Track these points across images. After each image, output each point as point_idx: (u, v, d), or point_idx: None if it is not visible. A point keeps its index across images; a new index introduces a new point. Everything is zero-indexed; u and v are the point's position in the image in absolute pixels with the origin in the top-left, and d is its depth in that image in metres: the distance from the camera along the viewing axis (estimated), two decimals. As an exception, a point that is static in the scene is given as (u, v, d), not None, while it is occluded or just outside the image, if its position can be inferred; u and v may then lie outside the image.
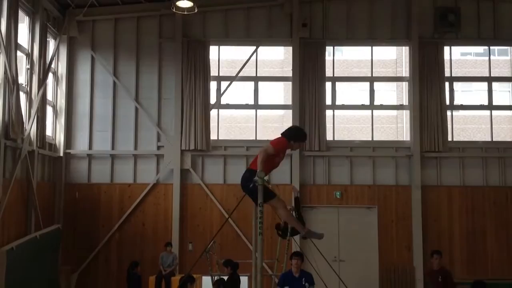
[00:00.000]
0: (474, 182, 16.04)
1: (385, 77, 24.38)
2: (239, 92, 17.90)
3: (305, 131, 7.02)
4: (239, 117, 25.92)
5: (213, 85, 16.46)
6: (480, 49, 26.66)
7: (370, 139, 16.96)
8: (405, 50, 20.36)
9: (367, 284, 15.50)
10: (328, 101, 16.33)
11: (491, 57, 17.79)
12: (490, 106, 16.75)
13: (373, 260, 15.70)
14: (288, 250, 10.92)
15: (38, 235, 13.59)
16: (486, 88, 16.86)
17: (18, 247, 12.23)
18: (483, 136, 22.33)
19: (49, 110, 15.51)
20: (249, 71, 16.64)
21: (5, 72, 12.20)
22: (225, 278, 11.31)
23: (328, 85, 16.40)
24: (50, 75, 15.33)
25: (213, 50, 16.52)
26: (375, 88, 16.79)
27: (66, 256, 15.52)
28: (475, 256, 15.62)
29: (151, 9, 16.32)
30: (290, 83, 16.67)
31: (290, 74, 16.56)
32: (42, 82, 14.25)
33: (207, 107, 16.07)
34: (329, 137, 16.28)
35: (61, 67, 16.11)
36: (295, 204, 10.39)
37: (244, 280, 12.13)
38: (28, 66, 13.98)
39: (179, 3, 13.65)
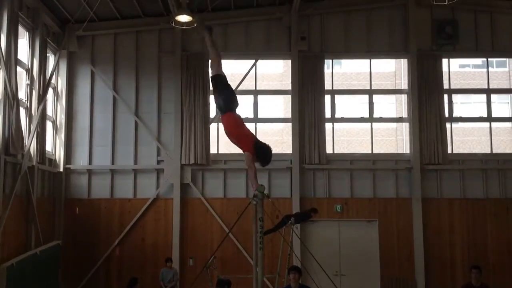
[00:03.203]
0: (474, 194, 16.02)
1: (384, 89, 24.38)
2: (239, 106, 17.84)
3: (269, 158, 7.44)
4: (239, 130, 25.83)
5: (212, 99, 16.45)
6: (479, 61, 26.81)
7: (370, 152, 16.95)
8: (403, 63, 20.41)
9: (368, 298, 15.43)
10: (328, 114, 16.33)
11: (490, 69, 17.85)
12: (489, 118, 16.77)
13: (374, 273, 15.62)
14: (289, 264, 10.89)
15: (38, 251, 13.51)
16: (485, 100, 16.89)
17: (18, 264, 12.14)
18: (482, 148, 22.36)
19: (49, 125, 15.51)
20: (248, 84, 16.63)
21: (5, 88, 12.18)
22: None
23: (327, 98, 16.42)
24: (50, 90, 15.34)
25: (212, 64, 16.53)
26: (374, 100, 16.82)
27: (66, 272, 15.44)
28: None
29: (150, 23, 16.37)
30: (289, 96, 16.68)
31: (289, 87, 16.58)
32: (42, 98, 14.25)
33: (206, 121, 16.08)
34: (329, 150, 16.25)
35: (61, 82, 16.14)
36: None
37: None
38: (28, 82, 13.97)
39: (178, 18, 13.67)
